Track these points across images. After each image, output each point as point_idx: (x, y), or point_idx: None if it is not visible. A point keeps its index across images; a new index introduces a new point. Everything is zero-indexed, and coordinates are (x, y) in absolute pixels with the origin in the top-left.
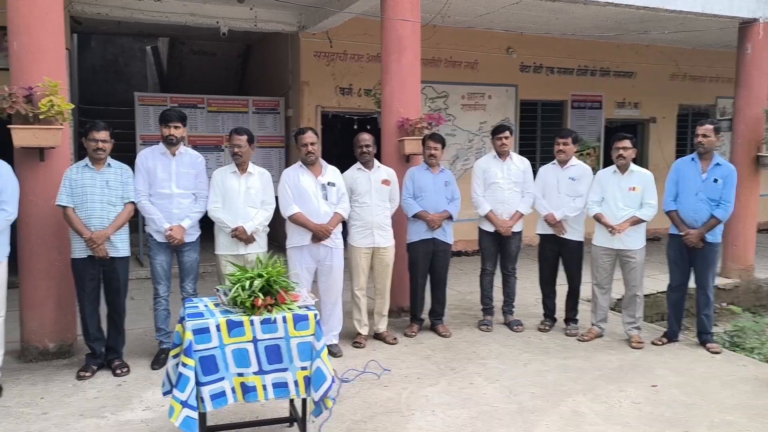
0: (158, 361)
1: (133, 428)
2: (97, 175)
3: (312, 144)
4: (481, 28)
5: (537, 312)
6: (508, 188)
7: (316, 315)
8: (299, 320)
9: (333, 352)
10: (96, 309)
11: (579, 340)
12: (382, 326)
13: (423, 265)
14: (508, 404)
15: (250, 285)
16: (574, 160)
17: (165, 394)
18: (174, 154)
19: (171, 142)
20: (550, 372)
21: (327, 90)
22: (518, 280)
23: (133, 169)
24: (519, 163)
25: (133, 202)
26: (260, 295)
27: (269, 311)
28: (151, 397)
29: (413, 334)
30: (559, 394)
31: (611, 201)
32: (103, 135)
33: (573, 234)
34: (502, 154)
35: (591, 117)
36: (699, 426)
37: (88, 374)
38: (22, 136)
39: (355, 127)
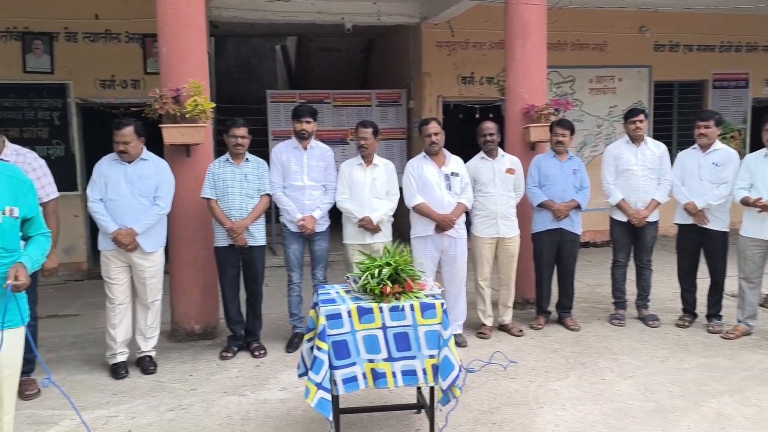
0: (292, 344)
1: (271, 407)
2: (237, 169)
3: (435, 134)
4: (611, 8)
5: (674, 307)
6: (643, 175)
7: (443, 304)
8: (426, 309)
9: (458, 342)
10: (236, 294)
11: (723, 337)
12: (507, 318)
13: (549, 256)
14: (644, 402)
15: (379, 273)
16: (718, 144)
17: (300, 376)
18: (306, 148)
19: (303, 137)
20: (690, 370)
21: (448, 80)
22: (654, 272)
23: (268, 163)
24: (654, 148)
25: (268, 194)
26: (389, 283)
27: (397, 299)
28: (287, 379)
29: (540, 326)
30: (701, 395)
31: (762, 187)
32: (242, 131)
33: (716, 224)
34: (635, 139)
35: (735, 97)
36: None
37: (229, 355)
38: (171, 134)
39: (477, 116)
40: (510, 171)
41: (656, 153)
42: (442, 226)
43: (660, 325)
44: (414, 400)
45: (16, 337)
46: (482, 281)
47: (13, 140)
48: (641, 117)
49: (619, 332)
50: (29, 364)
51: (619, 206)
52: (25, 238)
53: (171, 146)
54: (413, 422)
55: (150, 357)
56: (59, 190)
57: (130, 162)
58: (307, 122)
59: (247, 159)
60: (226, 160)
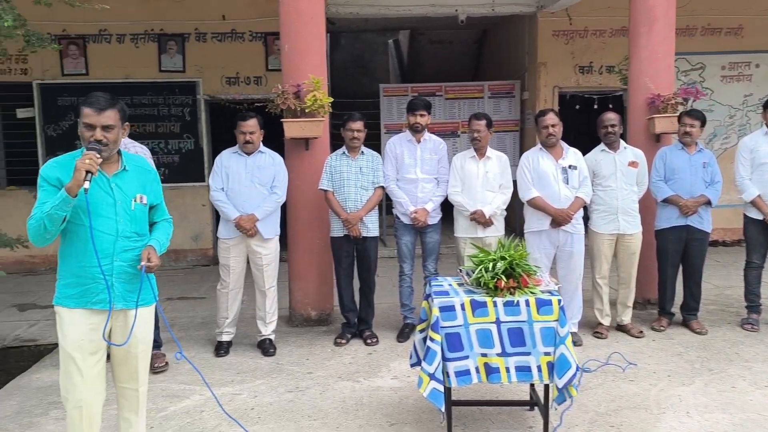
0: (403, 334)
1: (383, 394)
2: (353, 162)
3: (553, 126)
4: None
5: None
6: None
7: (560, 301)
8: (542, 305)
9: (573, 340)
10: (350, 283)
11: None
12: (626, 318)
13: (674, 255)
14: None
15: (493, 267)
16: None
17: (412, 365)
18: (419, 141)
19: (417, 130)
20: None
21: (565, 69)
22: None
23: (381, 156)
24: None
25: (382, 187)
26: (503, 277)
27: (512, 294)
28: (398, 368)
29: (662, 328)
30: None
31: None
32: (359, 125)
33: None
34: None
35: None
36: None
37: (343, 341)
38: (291, 129)
39: (595, 106)
40: (633, 164)
41: None
42: (558, 220)
43: None
44: (526, 397)
45: (148, 314)
46: (600, 279)
47: (149, 135)
48: None
49: (753, 338)
50: (156, 340)
51: (754, 203)
52: (150, 224)
53: (291, 140)
54: (526, 419)
55: (270, 340)
56: (189, 181)
57: (249, 154)
58: (422, 115)
59: (362, 152)
60: (342, 153)
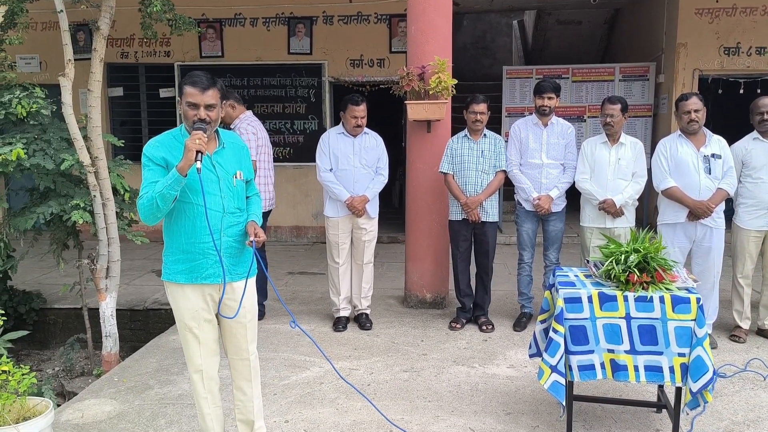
0: (519, 323)
1: (499, 382)
2: (474, 145)
3: (696, 111)
4: None
5: None
6: None
7: (699, 299)
8: (679, 302)
9: None
10: (467, 267)
11: None
12: None
13: None
14: None
15: (625, 260)
16: None
17: (531, 356)
18: (546, 125)
19: (544, 113)
20: None
21: (708, 51)
22: None
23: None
24: None
25: (504, 171)
26: (636, 271)
27: (645, 289)
28: (514, 356)
29: None
30: None
31: None
32: (482, 107)
33: None
34: None
35: None
36: None
37: (458, 326)
38: (415, 111)
39: (741, 91)
40: None
41: None
42: (697, 213)
43: None
44: (652, 398)
45: (253, 286)
46: (742, 279)
47: (276, 115)
48: None
49: None
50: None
51: None
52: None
53: (413, 122)
54: (652, 421)
55: (366, 314)
56: (312, 160)
57: (355, 136)
58: (549, 98)
59: (484, 135)
60: (464, 135)
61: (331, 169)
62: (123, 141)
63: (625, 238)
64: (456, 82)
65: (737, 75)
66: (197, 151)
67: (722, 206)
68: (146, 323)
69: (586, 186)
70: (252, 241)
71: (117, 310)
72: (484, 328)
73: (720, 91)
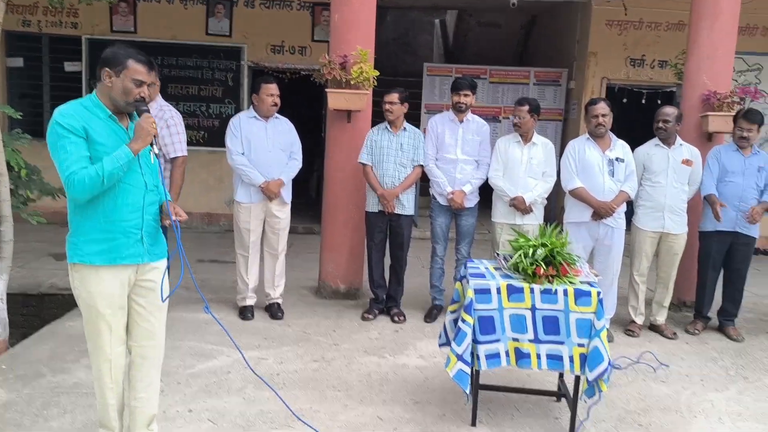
0: (430, 315)
1: (408, 372)
2: (394, 137)
3: (603, 116)
4: None
5: None
6: None
7: (599, 293)
8: (581, 295)
9: None
10: (381, 259)
11: None
12: (661, 318)
13: (716, 259)
14: None
15: (533, 253)
16: None
17: (441, 346)
18: (462, 121)
19: (460, 109)
20: None
21: (616, 61)
22: None
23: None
24: None
25: (421, 165)
26: (542, 264)
27: (550, 282)
28: (425, 347)
29: (697, 331)
30: None
31: None
32: (392, 98)
33: None
34: None
35: None
36: None
37: (370, 317)
38: (336, 99)
39: (643, 101)
40: (687, 162)
41: None
42: (601, 213)
43: None
44: (553, 388)
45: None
46: (638, 276)
47: (191, 97)
48: None
49: None
50: None
51: None
52: None
53: (334, 112)
54: (552, 410)
55: (278, 304)
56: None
57: (267, 119)
58: (465, 95)
59: (404, 128)
60: (384, 127)
61: (243, 153)
62: (21, 114)
63: (533, 235)
64: (378, 73)
65: (641, 85)
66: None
67: (624, 207)
68: (40, 309)
69: (498, 183)
70: (175, 221)
71: (8, 294)
72: (396, 319)
73: (625, 101)
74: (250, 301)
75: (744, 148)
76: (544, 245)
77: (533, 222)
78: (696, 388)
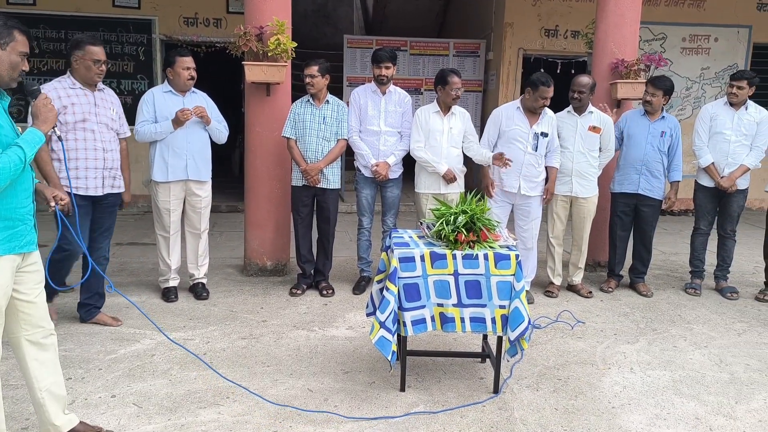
0: (359, 287)
1: (338, 343)
2: (317, 110)
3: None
4: None
5: (755, 281)
6: (736, 141)
7: (517, 256)
8: (500, 259)
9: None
10: (308, 234)
11: None
12: (577, 278)
13: (624, 219)
14: (717, 373)
15: (454, 221)
16: None
17: (368, 315)
18: (384, 93)
19: (382, 81)
20: None
21: (531, 32)
22: (737, 244)
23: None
24: (755, 113)
25: (345, 139)
26: (463, 231)
27: (471, 247)
28: (353, 318)
29: (610, 289)
30: None
31: None
32: (311, 70)
33: None
34: (733, 104)
35: None
36: None
37: (298, 292)
38: (254, 72)
39: (558, 71)
40: (594, 129)
41: (755, 119)
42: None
43: (738, 298)
44: (479, 350)
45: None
46: (554, 239)
47: None
48: (741, 84)
49: (695, 302)
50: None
51: (707, 169)
52: None
53: (252, 85)
54: (477, 370)
55: (203, 284)
56: None
57: (184, 93)
58: (387, 67)
59: (327, 101)
60: (307, 100)
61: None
62: None
63: (457, 203)
64: (296, 45)
65: (555, 56)
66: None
67: (543, 175)
68: None
69: (421, 154)
70: (55, 207)
71: None
72: (325, 292)
73: (542, 70)
74: (173, 283)
75: (650, 113)
76: (464, 212)
77: (456, 191)
78: (609, 342)
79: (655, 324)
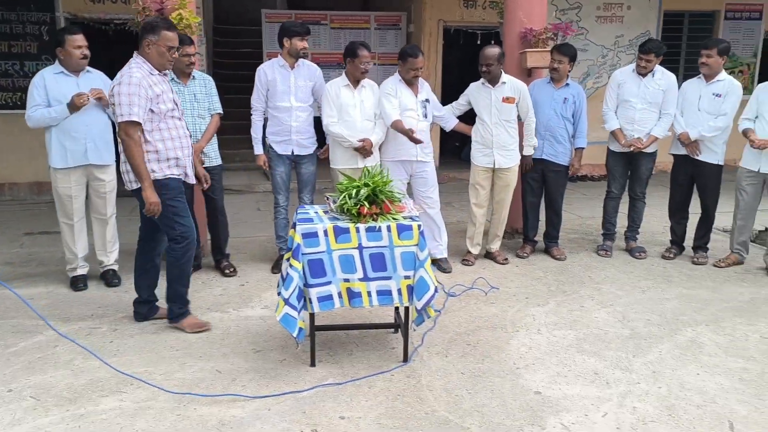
0: (277, 266)
1: (251, 323)
2: (185, 89)
3: (420, 69)
4: None
5: (663, 240)
6: (642, 108)
7: (420, 226)
8: (403, 230)
9: (443, 267)
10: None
11: (715, 265)
12: (495, 246)
13: (533, 185)
14: (619, 329)
15: (357, 194)
16: (723, 75)
17: (279, 294)
18: (293, 67)
19: (305, 56)
20: (670, 301)
21: (450, 3)
22: (647, 206)
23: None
24: (661, 80)
25: (219, 114)
26: (366, 203)
27: (374, 220)
28: (269, 298)
29: (525, 255)
30: (677, 324)
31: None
32: (191, 49)
33: (709, 156)
34: (643, 74)
35: (747, 29)
36: None
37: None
38: None
39: (478, 42)
40: (508, 100)
41: (661, 86)
42: (414, 142)
43: (646, 257)
44: (391, 320)
45: None
46: (476, 209)
47: (1, 55)
48: (650, 57)
49: (605, 263)
50: None
51: (613, 134)
52: None
53: None
54: (390, 341)
55: (113, 270)
56: None
57: (78, 73)
58: (307, 40)
59: (193, 77)
60: (172, 79)
61: (48, 107)
62: None
63: None
64: (199, 19)
65: (475, 26)
66: None
67: (430, 141)
68: None
69: (335, 129)
70: None
71: None
72: (227, 272)
73: (462, 42)
74: (82, 271)
75: (555, 80)
76: (367, 185)
77: (374, 163)
78: (520, 306)
79: (565, 286)
